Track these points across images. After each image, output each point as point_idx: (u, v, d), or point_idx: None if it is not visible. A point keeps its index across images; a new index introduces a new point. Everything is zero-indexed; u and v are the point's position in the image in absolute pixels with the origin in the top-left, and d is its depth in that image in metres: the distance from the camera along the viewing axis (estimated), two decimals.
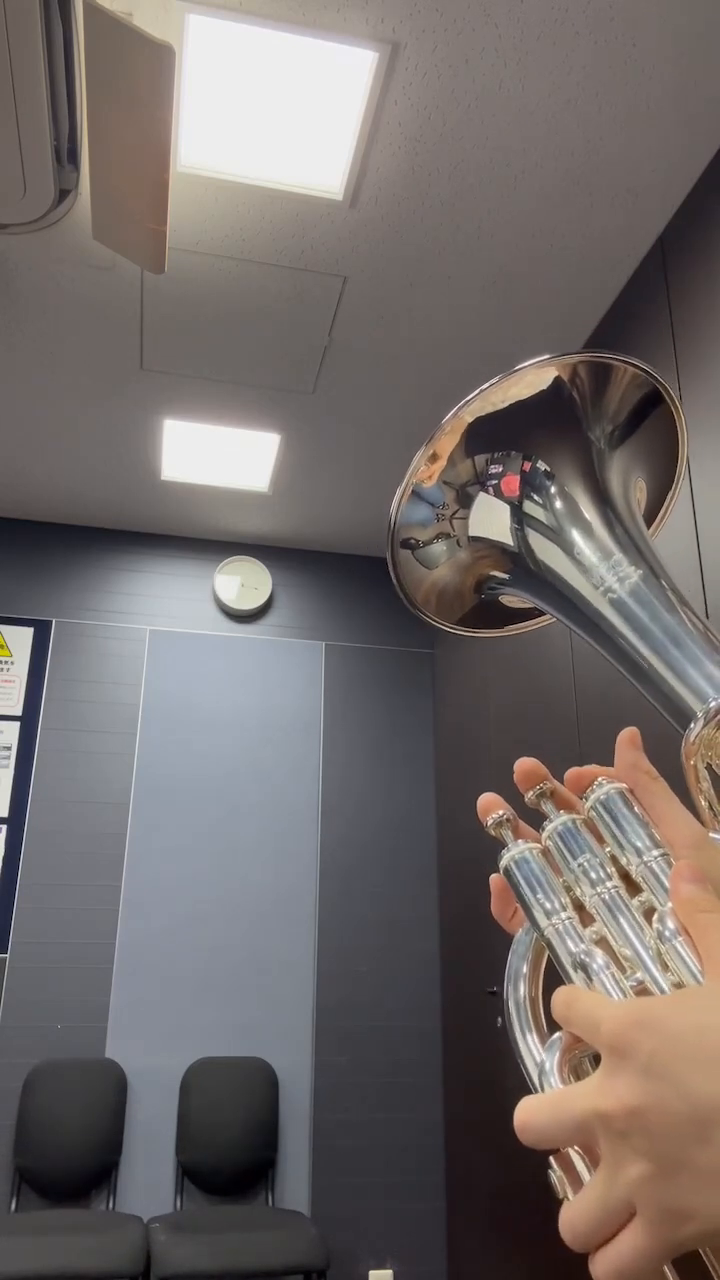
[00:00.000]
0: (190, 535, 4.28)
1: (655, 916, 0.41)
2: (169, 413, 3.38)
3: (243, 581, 4.22)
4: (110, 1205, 3.29)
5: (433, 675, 4.27)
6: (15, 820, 3.69)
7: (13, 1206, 3.22)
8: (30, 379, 3.19)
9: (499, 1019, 2.99)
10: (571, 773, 0.49)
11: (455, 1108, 3.58)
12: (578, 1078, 0.40)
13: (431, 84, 2.10)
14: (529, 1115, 0.37)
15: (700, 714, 0.46)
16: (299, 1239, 2.93)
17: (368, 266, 2.66)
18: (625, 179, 2.35)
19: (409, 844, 4.03)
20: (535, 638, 3.04)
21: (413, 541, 0.58)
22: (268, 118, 2.19)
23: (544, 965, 0.47)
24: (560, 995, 0.40)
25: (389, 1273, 3.45)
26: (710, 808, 0.46)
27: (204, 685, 4.06)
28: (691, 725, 0.46)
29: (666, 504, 0.62)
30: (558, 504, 0.56)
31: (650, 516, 0.61)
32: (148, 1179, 3.36)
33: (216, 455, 3.64)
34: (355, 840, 3.98)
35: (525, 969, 0.47)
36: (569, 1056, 0.41)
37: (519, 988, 0.46)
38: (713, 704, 0.46)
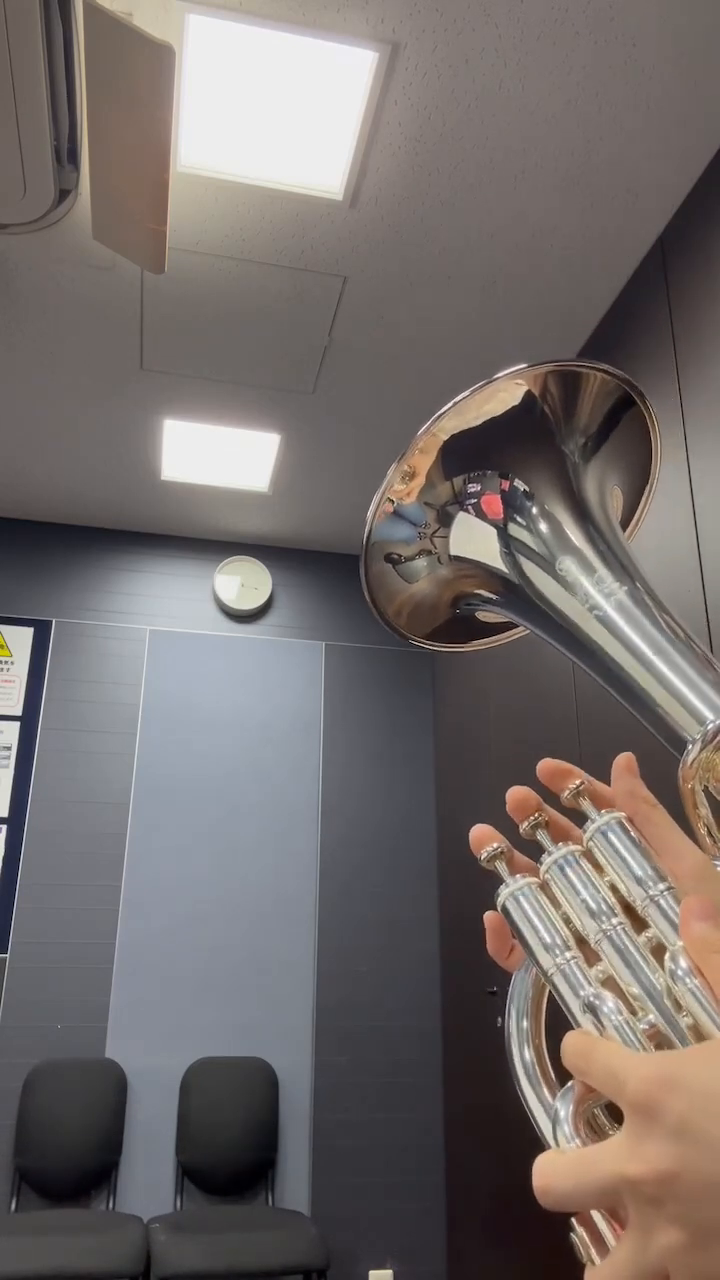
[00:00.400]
0: (190, 535, 4.28)
1: (667, 956, 0.39)
2: (169, 413, 3.38)
3: (243, 581, 4.22)
4: (110, 1205, 3.29)
5: (433, 675, 4.27)
6: (15, 820, 3.69)
7: (13, 1206, 3.22)
8: (30, 379, 3.19)
9: (499, 1019, 2.98)
10: (551, 766, 0.48)
11: (455, 1108, 3.58)
12: (590, 1127, 0.39)
13: (431, 84, 2.10)
14: (550, 1180, 0.36)
15: (698, 736, 0.45)
16: (299, 1239, 2.93)
17: (368, 266, 2.66)
18: (625, 179, 2.35)
19: (409, 844, 4.03)
20: (535, 636, 3.04)
21: (395, 556, 0.58)
22: (268, 118, 2.19)
23: (545, 1001, 0.45)
24: (574, 1045, 0.38)
25: (389, 1273, 3.45)
26: (710, 834, 0.45)
27: (204, 685, 4.06)
28: (689, 748, 0.45)
29: (641, 507, 0.61)
30: (539, 523, 0.55)
31: (625, 521, 0.60)
32: (148, 1179, 3.36)
33: (216, 455, 3.64)
34: (355, 840, 3.98)
35: (529, 1014, 0.45)
36: (583, 1108, 0.39)
37: (522, 1036, 0.44)
38: (710, 726, 0.44)
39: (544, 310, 2.81)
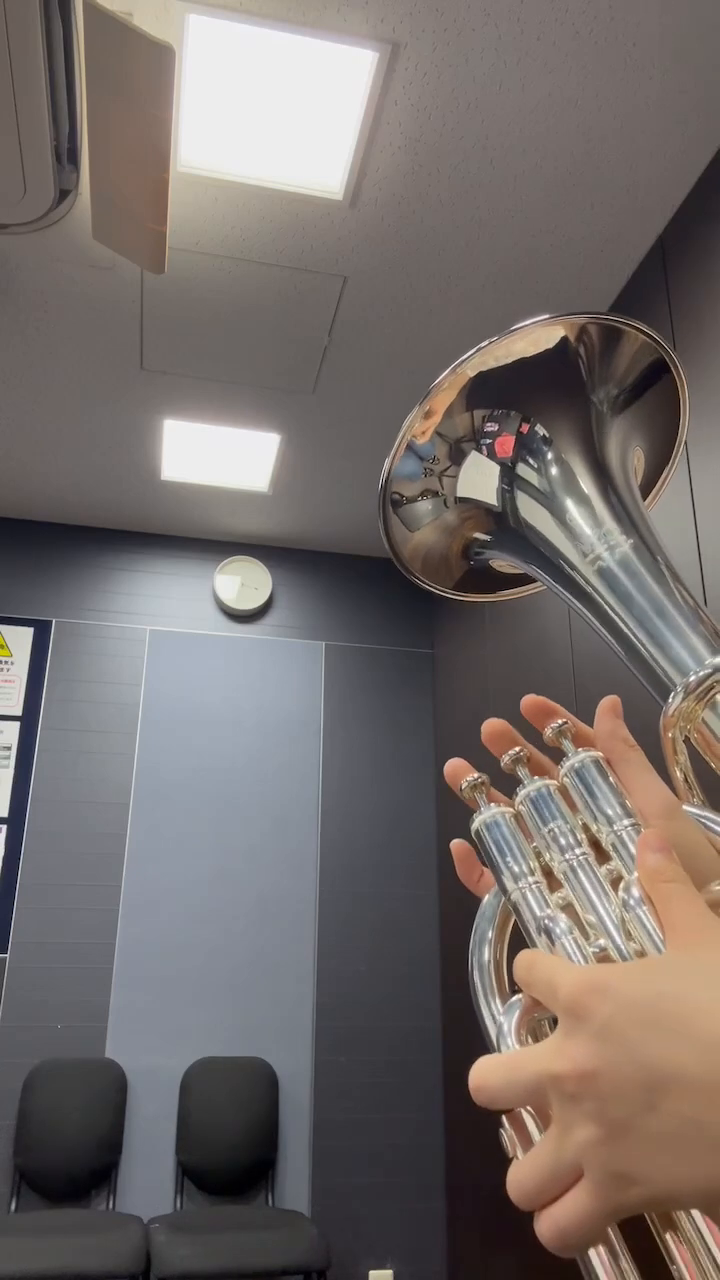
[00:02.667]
0: (190, 535, 4.28)
1: (621, 885, 0.41)
2: (169, 413, 3.38)
3: (243, 581, 4.22)
4: (110, 1205, 3.29)
5: (433, 675, 4.27)
6: (15, 820, 3.69)
7: (13, 1206, 3.22)
8: (30, 379, 3.19)
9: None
10: (535, 703, 0.49)
11: (455, 1108, 3.58)
12: (536, 1040, 0.40)
13: (431, 84, 2.10)
14: (483, 1077, 0.37)
15: (680, 686, 0.46)
16: (299, 1239, 2.93)
17: (368, 266, 2.66)
18: (625, 179, 2.35)
19: (409, 844, 4.03)
20: (536, 638, 3.04)
21: (397, 496, 0.57)
22: (268, 118, 2.19)
23: (510, 930, 0.47)
24: (522, 958, 0.40)
25: (389, 1273, 3.45)
26: (686, 780, 0.46)
27: (204, 685, 4.06)
28: (670, 697, 0.46)
29: (664, 477, 0.61)
30: (552, 468, 0.55)
31: (646, 489, 0.60)
32: (148, 1179, 3.36)
33: (216, 455, 3.64)
34: (355, 840, 3.98)
35: (491, 933, 0.47)
36: (528, 1019, 0.41)
37: (484, 951, 0.46)
38: (692, 677, 0.46)
39: (544, 310, 2.80)
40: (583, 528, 0.53)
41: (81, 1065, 3.41)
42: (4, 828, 3.67)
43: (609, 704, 0.47)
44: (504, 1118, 0.39)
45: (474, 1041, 3.50)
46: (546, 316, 0.53)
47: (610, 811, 0.44)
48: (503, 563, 0.60)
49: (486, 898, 0.48)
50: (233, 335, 2.96)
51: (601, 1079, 0.33)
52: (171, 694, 4.01)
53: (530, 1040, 0.41)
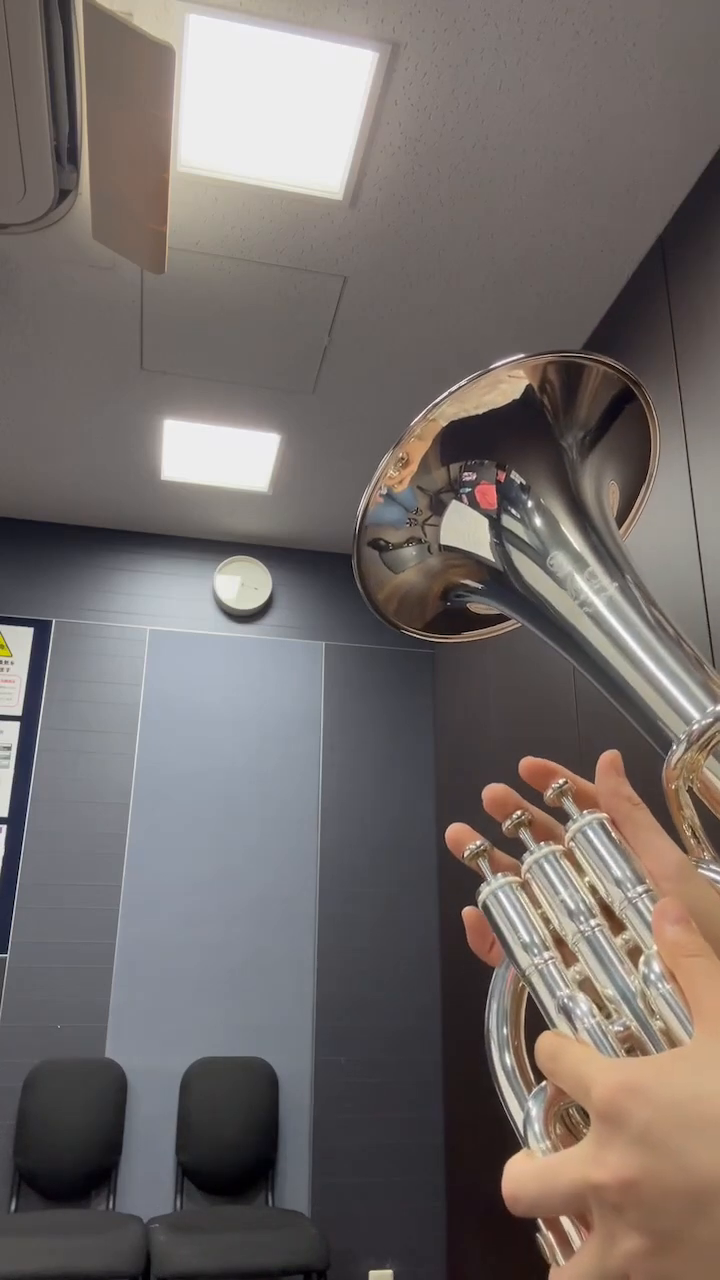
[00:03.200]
0: (190, 535, 4.28)
1: (641, 959, 0.39)
2: (169, 413, 3.38)
3: (243, 581, 4.22)
4: (110, 1205, 3.29)
5: (433, 675, 4.27)
6: (15, 820, 3.69)
7: (13, 1206, 3.22)
8: (30, 379, 3.19)
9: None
10: (533, 765, 0.47)
11: (455, 1108, 3.58)
12: (566, 1127, 0.39)
13: (431, 84, 2.10)
14: (519, 1186, 0.36)
15: (683, 736, 0.44)
16: (299, 1239, 2.93)
17: (368, 266, 2.66)
18: (625, 179, 2.35)
19: (409, 844, 4.03)
20: (536, 637, 3.04)
21: (382, 543, 0.57)
22: (268, 118, 2.19)
23: (525, 1001, 0.45)
24: (546, 1046, 0.39)
25: (389, 1273, 3.45)
26: (694, 835, 0.44)
27: (204, 685, 4.06)
28: (673, 748, 0.44)
29: (638, 503, 0.60)
30: (533, 516, 0.54)
31: (621, 517, 0.60)
32: (148, 1179, 3.36)
33: (216, 455, 3.64)
34: (355, 840, 3.98)
35: (507, 1006, 0.45)
36: (555, 1108, 0.39)
37: (502, 1027, 0.44)
38: (695, 726, 0.44)
39: (544, 310, 2.81)
40: (570, 573, 0.52)
41: (81, 1065, 3.41)
42: (4, 828, 3.67)
43: (609, 761, 0.45)
44: (540, 1221, 0.37)
45: (474, 1041, 3.50)
46: (512, 359, 0.54)
47: (621, 876, 0.42)
48: (479, 605, 0.60)
49: (497, 971, 0.46)
50: (233, 335, 2.96)
51: (644, 1188, 0.32)
52: (171, 694, 4.01)
53: (559, 1128, 0.39)
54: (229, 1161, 3.37)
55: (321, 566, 4.38)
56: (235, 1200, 3.39)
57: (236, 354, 3.05)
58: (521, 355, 0.54)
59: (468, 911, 0.47)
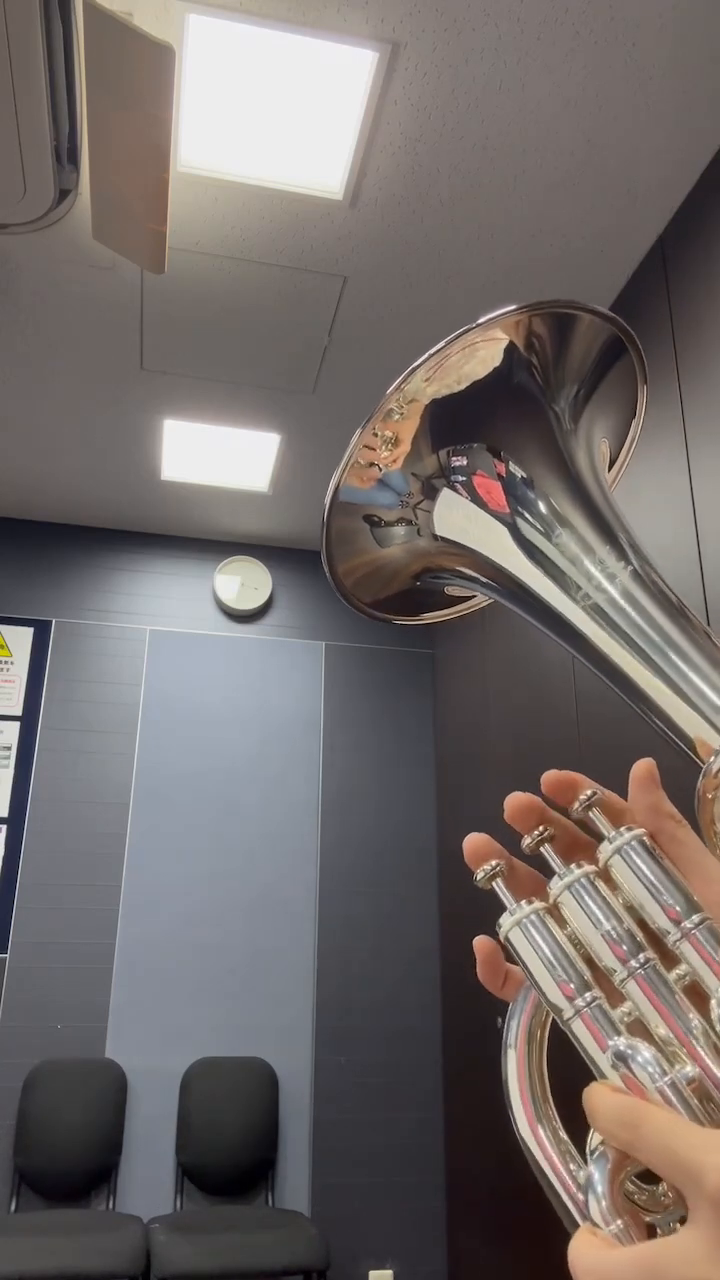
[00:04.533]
0: (190, 535, 4.28)
1: (715, 1000, 0.35)
2: (169, 413, 3.38)
3: (243, 581, 4.22)
4: (110, 1205, 3.29)
5: (433, 675, 4.27)
6: (15, 820, 3.69)
7: (13, 1206, 3.22)
8: (30, 379, 3.19)
9: (499, 1019, 2.96)
10: (557, 778, 0.42)
11: (455, 1108, 3.58)
12: (631, 1202, 0.35)
13: (431, 84, 2.10)
14: (609, 1276, 0.31)
15: None
16: (299, 1239, 2.93)
17: (368, 266, 2.66)
18: (625, 179, 2.35)
19: (409, 844, 4.03)
20: (535, 636, 3.04)
21: (375, 518, 0.53)
22: (268, 118, 2.19)
23: (546, 1041, 0.41)
24: (614, 1108, 0.33)
25: (389, 1273, 3.45)
26: None
27: (204, 685, 4.06)
28: (713, 756, 0.38)
29: (625, 451, 0.56)
30: (539, 506, 0.50)
31: (609, 464, 0.56)
32: (148, 1179, 3.36)
33: (216, 455, 3.64)
34: (355, 840, 3.98)
35: (528, 1042, 0.40)
36: (620, 1178, 0.34)
37: (531, 1076, 0.39)
38: None
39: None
40: (577, 559, 0.47)
41: (81, 1065, 3.41)
42: (4, 828, 3.67)
43: (646, 771, 0.40)
44: None
45: (474, 1042, 3.49)
46: (490, 316, 0.50)
47: (674, 904, 0.37)
48: (456, 588, 0.56)
49: (511, 1016, 0.40)
50: (233, 335, 2.96)
51: None
52: (171, 694, 4.01)
53: (625, 1200, 0.34)
54: (229, 1161, 3.37)
55: (321, 566, 4.37)
56: (235, 1200, 3.39)
57: (236, 354, 3.05)
58: (494, 313, 0.50)
59: (480, 942, 0.42)
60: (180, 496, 3.95)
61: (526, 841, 0.41)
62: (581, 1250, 0.32)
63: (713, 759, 0.38)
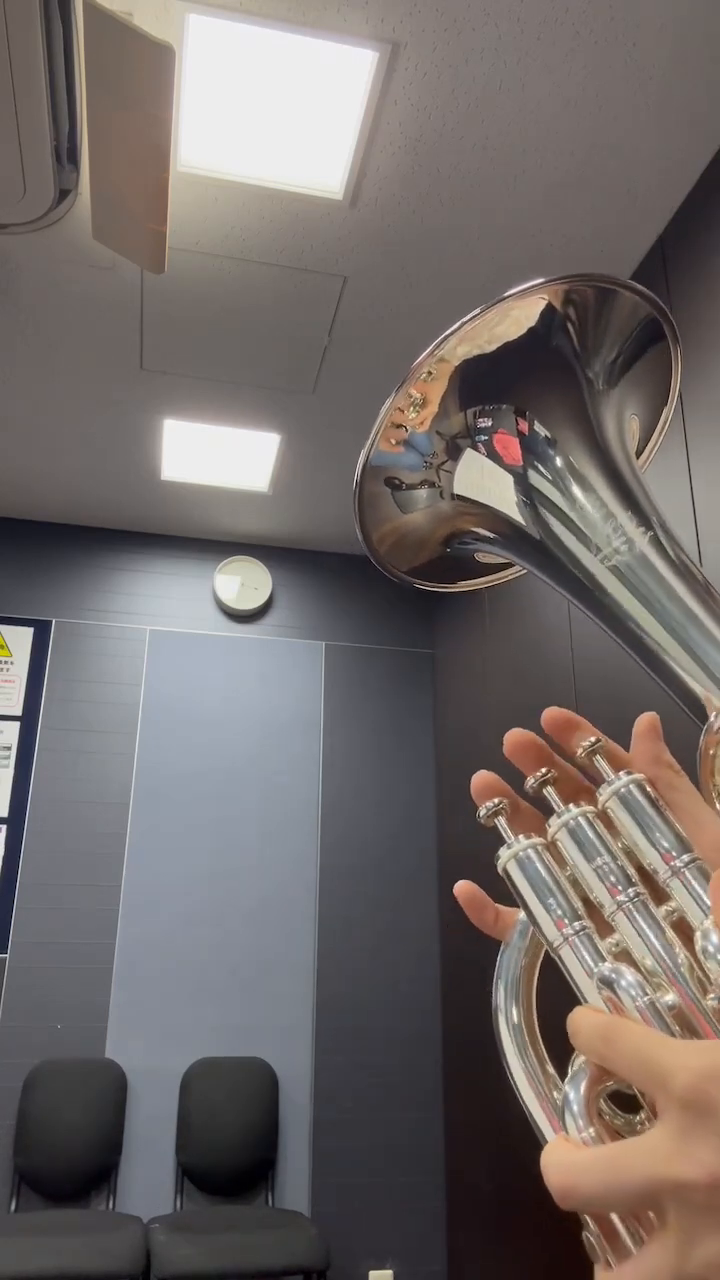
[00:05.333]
0: (190, 535, 4.28)
1: (698, 933, 0.36)
2: (169, 413, 3.38)
3: (243, 581, 4.22)
4: (110, 1205, 3.29)
5: (433, 675, 4.27)
6: (15, 820, 3.69)
7: (13, 1206, 3.22)
8: (30, 379, 3.19)
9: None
10: (559, 716, 0.44)
11: (455, 1108, 3.58)
12: (602, 1118, 0.36)
13: (431, 84, 2.10)
14: (575, 1177, 0.32)
15: None
16: (299, 1239, 2.93)
17: (368, 266, 2.66)
18: (625, 179, 2.35)
19: (409, 844, 4.03)
20: (536, 637, 3.04)
21: (396, 482, 0.53)
22: (268, 118, 2.19)
23: (536, 978, 0.42)
24: (591, 1024, 0.35)
25: (389, 1273, 3.45)
26: None
27: (204, 685, 4.06)
28: (716, 714, 0.41)
29: (656, 434, 0.57)
30: (555, 461, 0.50)
31: (640, 448, 0.56)
32: (148, 1179, 3.36)
33: (216, 455, 3.64)
34: (355, 840, 3.98)
35: (520, 983, 0.42)
36: (596, 1092, 0.35)
37: (511, 1008, 0.41)
38: None
39: None
40: (593, 520, 0.48)
41: (81, 1065, 3.41)
42: (4, 828, 3.67)
43: (648, 723, 0.42)
44: (590, 1219, 0.33)
45: (474, 1042, 3.50)
46: (529, 284, 0.50)
47: (667, 844, 0.39)
48: (485, 555, 0.56)
49: (511, 940, 0.42)
50: (233, 335, 2.96)
51: None
52: (171, 694, 4.01)
53: (599, 1116, 0.35)
54: (229, 1161, 3.37)
55: (321, 566, 4.38)
56: (235, 1200, 3.39)
57: (236, 354, 3.05)
58: (539, 280, 0.50)
59: (459, 887, 0.43)
60: (180, 496, 3.95)
61: (530, 782, 0.43)
62: (551, 1151, 0.33)
63: (715, 716, 0.40)
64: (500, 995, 0.42)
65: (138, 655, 4.04)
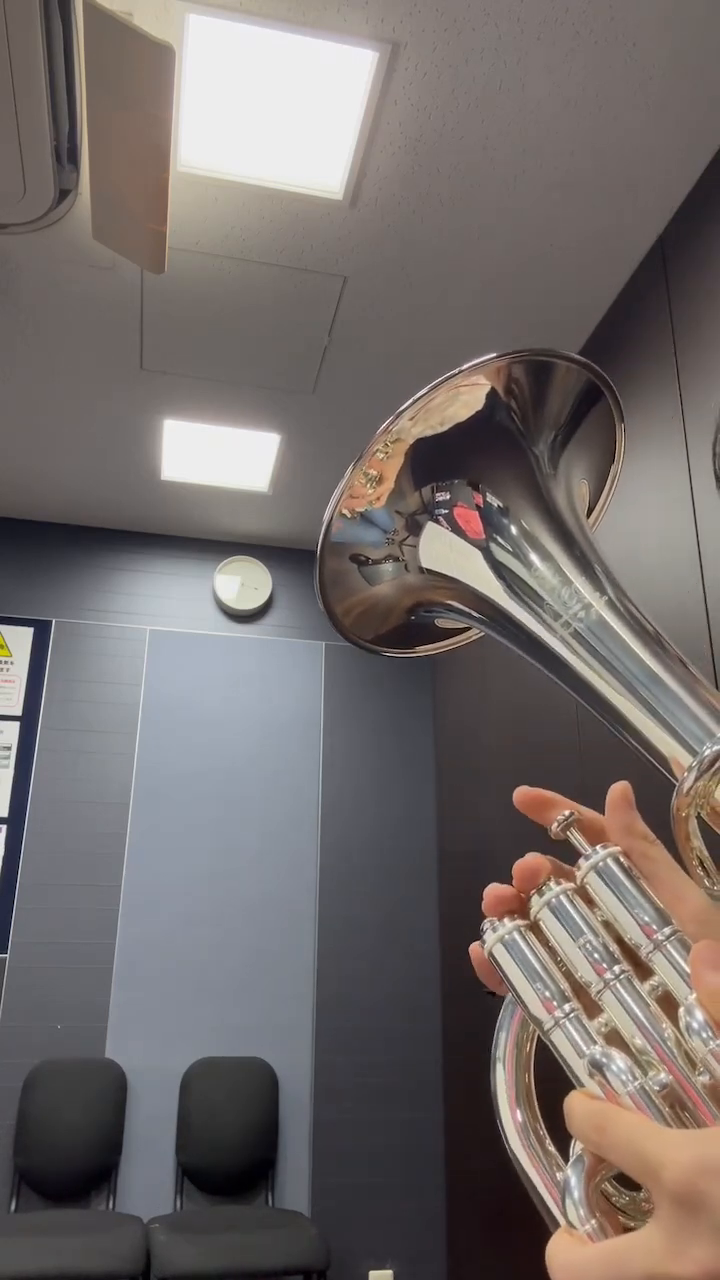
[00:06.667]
0: (190, 535, 4.28)
1: (681, 1010, 0.36)
2: (169, 413, 3.38)
3: (243, 581, 4.22)
4: (110, 1205, 3.29)
5: (433, 675, 4.27)
6: (15, 820, 3.69)
7: (13, 1206, 3.22)
8: (30, 379, 3.19)
9: (498, 1015, 2.96)
10: (531, 796, 0.45)
11: (455, 1108, 3.58)
12: (602, 1197, 0.36)
13: (431, 84, 2.10)
14: (578, 1276, 0.32)
15: (694, 762, 0.41)
16: (299, 1239, 2.93)
17: (368, 266, 2.66)
18: (625, 179, 2.35)
19: (409, 844, 4.03)
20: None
21: (362, 558, 0.56)
22: (268, 118, 2.19)
23: (534, 1046, 0.42)
24: (585, 1112, 0.35)
25: (389, 1273, 3.45)
26: (702, 866, 0.42)
27: (204, 685, 4.06)
28: (685, 775, 0.41)
29: (605, 494, 0.59)
30: (512, 531, 0.52)
31: (590, 508, 0.59)
32: (148, 1179, 3.36)
33: (216, 455, 3.64)
34: (355, 840, 3.98)
35: (515, 1055, 0.42)
36: (596, 1180, 0.35)
37: (513, 1081, 0.41)
38: (706, 752, 0.41)
39: (544, 310, 2.81)
40: (554, 589, 0.50)
41: (81, 1065, 3.41)
42: (4, 828, 3.67)
43: (620, 794, 0.43)
44: None
45: (474, 1041, 3.49)
46: (475, 362, 0.53)
47: (646, 918, 0.39)
48: (446, 620, 0.58)
49: (499, 1029, 0.43)
50: (233, 335, 2.96)
51: None
52: (171, 694, 4.01)
53: (601, 1205, 0.35)
54: (229, 1161, 3.37)
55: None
56: (235, 1200, 3.39)
57: (236, 354, 3.05)
58: (473, 361, 0.53)
59: (474, 948, 0.44)
60: (180, 496, 3.95)
61: (554, 829, 0.44)
62: (555, 1247, 0.34)
63: (684, 777, 0.41)
64: (500, 1076, 0.42)
65: (138, 655, 4.04)
